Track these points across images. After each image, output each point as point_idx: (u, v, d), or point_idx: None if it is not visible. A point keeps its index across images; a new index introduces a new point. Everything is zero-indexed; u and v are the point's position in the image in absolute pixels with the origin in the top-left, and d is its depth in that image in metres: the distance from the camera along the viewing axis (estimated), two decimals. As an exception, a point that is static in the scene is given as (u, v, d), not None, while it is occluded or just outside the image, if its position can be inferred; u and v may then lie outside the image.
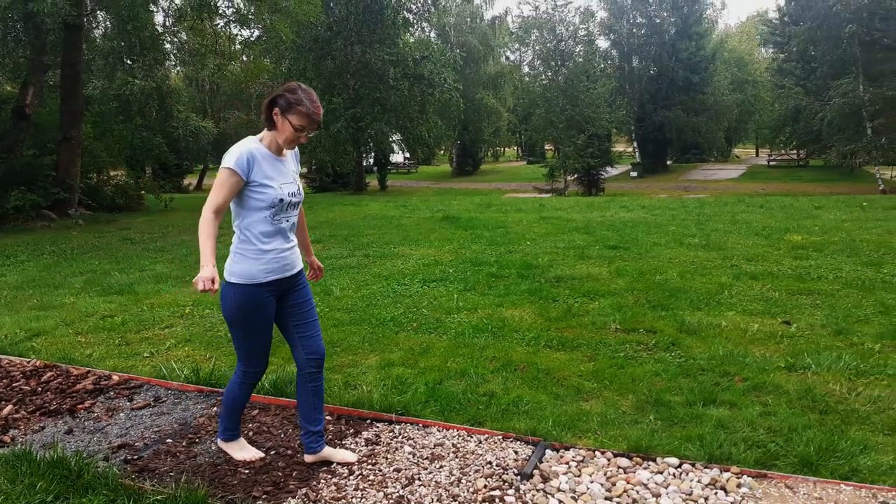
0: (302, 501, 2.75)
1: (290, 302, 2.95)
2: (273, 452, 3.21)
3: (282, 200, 2.76)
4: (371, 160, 36.48)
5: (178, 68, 32.57)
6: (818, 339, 4.56)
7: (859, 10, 25.15)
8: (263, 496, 2.81)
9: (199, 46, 22.23)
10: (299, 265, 2.96)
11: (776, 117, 40.60)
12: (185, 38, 22.42)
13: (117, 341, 5.12)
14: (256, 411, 3.68)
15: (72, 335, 5.32)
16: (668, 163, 44.90)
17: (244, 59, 30.08)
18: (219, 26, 18.81)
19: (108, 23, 20.06)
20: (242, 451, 3.14)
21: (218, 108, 33.60)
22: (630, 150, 45.13)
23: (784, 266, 6.85)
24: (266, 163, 2.74)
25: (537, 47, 36.89)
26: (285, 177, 2.81)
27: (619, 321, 5.14)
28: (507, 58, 52.98)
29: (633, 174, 39.19)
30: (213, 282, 2.52)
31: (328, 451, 3.09)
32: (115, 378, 4.23)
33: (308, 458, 3.08)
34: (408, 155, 48.39)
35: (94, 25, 19.46)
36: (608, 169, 33.57)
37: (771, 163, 44.91)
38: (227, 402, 3.05)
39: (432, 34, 40.08)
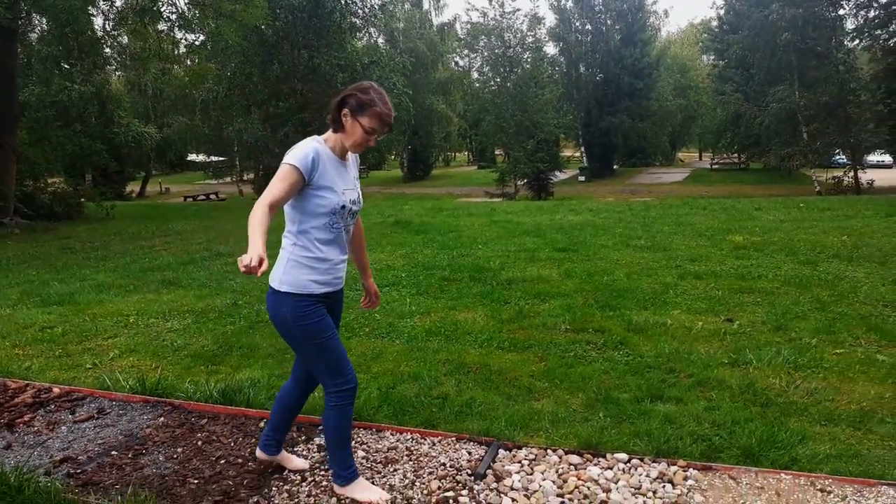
0: (253, 510, 2.71)
1: None
2: (223, 461, 3.15)
3: (343, 207, 2.56)
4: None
5: (120, 73, 31.70)
6: (759, 335, 4.72)
7: (794, 19, 26.18)
8: (214, 506, 2.76)
9: (141, 50, 21.67)
10: (344, 280, 2.76)
11: (718, 122, 42.03)
12: (126, 41, 21.85)
13: (58, 353, 4.95)
14: (205, 420, 3.60)
15: (9, 348, 5.12)
16: (615, 167, 45.91)
17: (188, 63, 29.48)
18: (162, 31, 18.37)
19: (44, 26, 19.39)
20: (367, 491, 2.75)
21: (161, 114, 32.86)
22: (578, 154, 45.91)
23: (726, 266, 7.07)
24: (330, 165, 2.55)
25: (486, 53, 37.25)
26: (347, 183, 2.62)
27: (568, 321, 5.22)
28: (457, 63, 53.29)
29: (581, 178, 39.92)
30: (260, 261, 2.12)
31: (284, 456, 3.03)
32: (56, 391, 4.08)
33: (261, 455, 2.98)
34: (358, 160, 48.11)
35: (29, 28, 18.78)
36: (557, 173, 34.16)
37: (714, 166, 46.40)
38: (330, 434, 2.71)
39: (380, 39, 40.03)
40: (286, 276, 2.55)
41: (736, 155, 44.82)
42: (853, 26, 29.06)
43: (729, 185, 33.31)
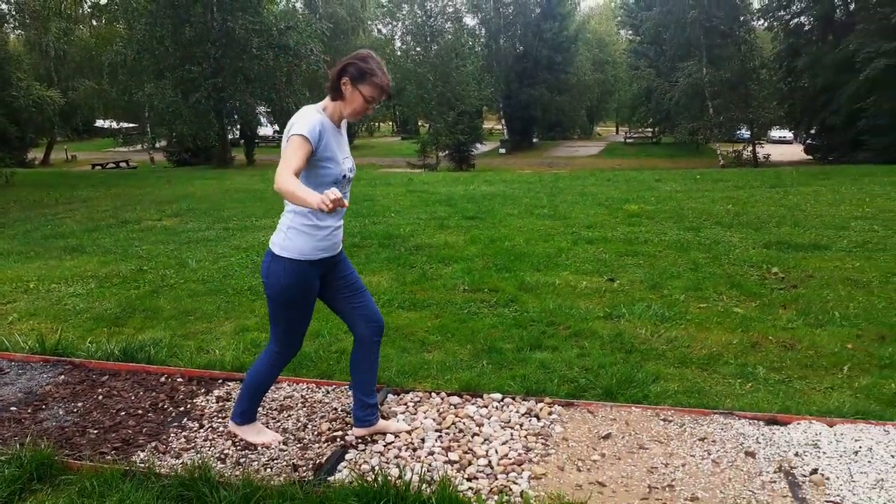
0: (151, 454, 2.88)
1: (336, 276, 2.85)
2: (123, 413, 3.30)
3: (344, 177, 2.64)
4: (237, 133, 35.28)
5: (19, 31, 29.85)
6: (635, 292, 5.17)
7: (701, -3, 27.31)
8: (112, 452, 2.92)
9: (40, 8, 20.51)
10: (341, 244, 2.87)
11: (632, 97, 43.36)
12: (23, -2, 20.62)
13: (-47, 318, 4.89)
14: (106, 377, 3.72)
15: None
16: (535, 140, 46.74)
17: (94, 23, 28.06)
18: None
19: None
20: (260, 434, 2.95)
21: (66, 77, 31.18)
22: (499, 127, 46.46)
23: (618, 232, 7.56)
24: (332, 135, 2.60)
25: (407, 22, 36.99)
26: (344, 151, 2.69)
27: (467, 283, 5.53)
28: (380, 31, 52.64)
29: (502, 151, 40.49)
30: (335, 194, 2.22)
31: (382, 424, 3.03)
32: (-48, 353, 4.08)
33: (360, 431, 2.99)
34: (277, 128, 47.05)
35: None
36: (478, 145, 34.56)
37: (628, 140, 47.96)
38: (253, 383, 2.87)
39: (298, 4, 39.16)
40: (287, 242, 2.63)
41: (649, 129, 46.45)
42: (759, 6, 30.57)
43: (641, 159, 34.60)
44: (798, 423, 3.04)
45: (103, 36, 25.13)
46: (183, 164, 29.24)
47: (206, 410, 3.31)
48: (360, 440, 2.97)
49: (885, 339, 4.05)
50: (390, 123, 70.47)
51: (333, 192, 2.21)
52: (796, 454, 2.79)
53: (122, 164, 31.41)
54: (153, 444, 2.98)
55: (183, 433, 3.08)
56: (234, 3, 22.53)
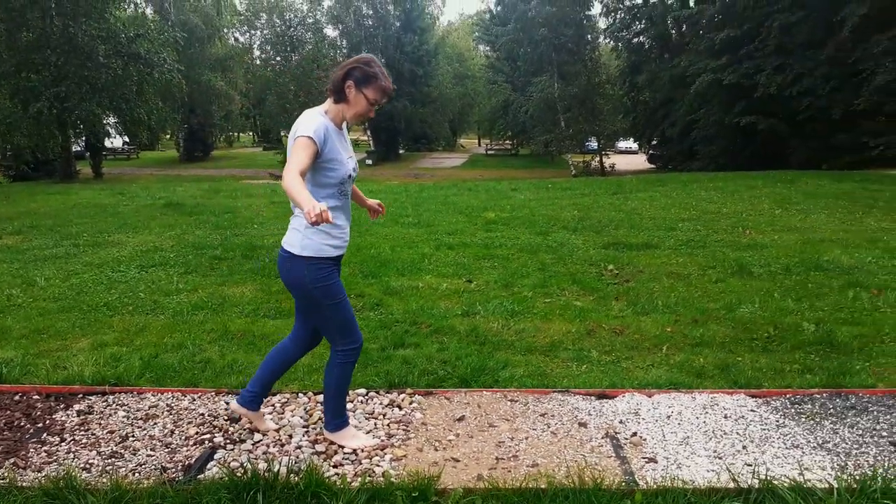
0: (10, 470, 2.84)
1: None
2: (-25, 434, 3.19)
3: (350, 176, 2.74)
4: (83, 145, 33.04)
5: None
6: (490, 291, 5.60)
7: (549, 17, 29.09)
8: (-34, 472, 2.84)
9: None
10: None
11: (491, 110, 45.13)
12: None
13: None
14: (-47, 399, 3.56)
15: None
16: (401, 151, 47.39)
17: None
18: None
19: None
20: (356, 438, 3.01)
21: None
22: (365, 138, 46.67)
23: (476, 238, 8.04)
24: (335, 138, 2.68)
25: (266, 31, 36.41)
26: (348, 151, 2.78)
27: (333, 290, 5.70)
28: (237, 39, 51.30)
29: (369, 162, 40.66)
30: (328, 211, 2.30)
31: (259, 415, 3.16)
32: None
33: (241, 409, 3.12)
34: (127, 139, 44.42)
35: None
36: (343, 156, 34.52)
37: (489, 152, 49.75)
38: (332, 388, 2.94)
39: (149, 10, 37.37)
40: (306, 241, 2.72)
41: (508, 141, 48.52)
42: (604, 26, 33.04)
43: (501, 170, 36.03)
44: (623, 396, 3.51)
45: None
46: (22, 178, 26.93)
47: (66, 425, 3.28)
48: (227, 440, 3.09)
49: (698, 321, 4.70)
50: (250, 133, 68.54)
51: (321, 207, 2.27)
52: (620, 422, 3.24)
53: (-53, 180, 28.39)
54: (11, 460, 2.93)
55: (43, 448, 3.05)
56: (76, 9, 21.20)
